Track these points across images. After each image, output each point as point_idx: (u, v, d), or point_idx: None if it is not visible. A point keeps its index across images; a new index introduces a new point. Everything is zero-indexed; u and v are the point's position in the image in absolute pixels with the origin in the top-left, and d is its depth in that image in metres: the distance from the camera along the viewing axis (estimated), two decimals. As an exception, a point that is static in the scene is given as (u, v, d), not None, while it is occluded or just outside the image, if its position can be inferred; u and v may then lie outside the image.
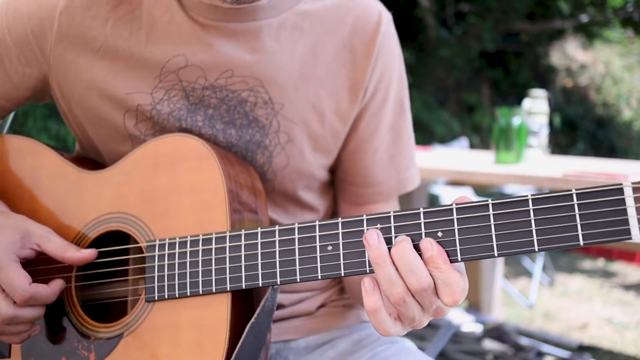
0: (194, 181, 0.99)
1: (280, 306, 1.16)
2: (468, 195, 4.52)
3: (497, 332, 3.41)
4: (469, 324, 3.54)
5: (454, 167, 2.84)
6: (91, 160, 1.17)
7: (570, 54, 10.33)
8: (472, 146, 7.14)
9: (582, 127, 9.41)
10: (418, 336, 3.36)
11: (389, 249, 0.81)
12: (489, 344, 3.31)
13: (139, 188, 1.02)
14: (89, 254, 0.99)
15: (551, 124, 7.40)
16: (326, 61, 1.10)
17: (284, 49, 1.07)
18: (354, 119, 1.14)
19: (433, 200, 4.42)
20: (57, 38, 1.06)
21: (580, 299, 4.27)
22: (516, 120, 2.83)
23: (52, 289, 0.97)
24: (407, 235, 0.82)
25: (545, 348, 3.27)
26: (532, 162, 2.91)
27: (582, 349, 3.36)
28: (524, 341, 3.35)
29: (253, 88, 1.07)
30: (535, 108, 3.12)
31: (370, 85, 1.13)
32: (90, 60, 1.06)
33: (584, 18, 9.42)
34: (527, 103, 3.16)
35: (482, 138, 8.37)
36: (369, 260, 0.84)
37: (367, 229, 0.84)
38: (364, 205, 1.21)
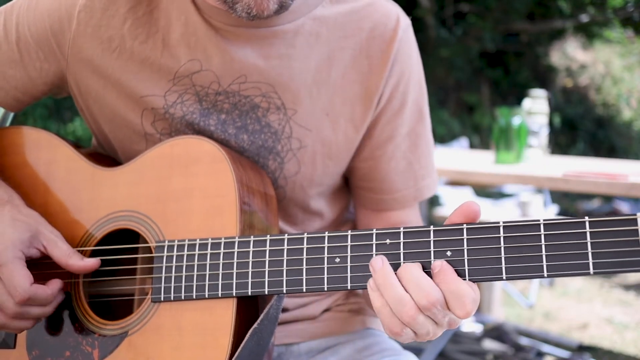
0: (207, 185, 0.99)
1: (284, 309, 1.15)
2: (468, 195, 4.51)
3: (497, 332, 3.42)
4: (469, 324, 3.54)
5: (454, 167, 2.84)
6: (106, 156, 1.18)
7: (570, 54, 10.33)
8: (472, 146, 7.15)
9: (582, 127, 9.40)
10: (418, 336, 3.37)
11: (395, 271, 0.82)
12: (489, 344, 3.32)
13: (152, 188, 1.03)
14: (91, 263, 1.00)
15: (551, 124, 7.39)
16: (342, 68, 1.09)
17: (299, 54, 1.06)
18: (367, 126, 1.13)
19: (433, 200, 4.42)
20: (75, 36, 1.06)
21: (580, 299, 4.27)
22: (516, 120, 2.83)
23: (51, 290, 0.97)
24: (415, 251, 0.83)
25: (545, 348, 3.27)
26: (532, 162, 2.92)
27: (582, 349, 3.37)
28: (524, 341, 3.35)
29: (266, 94, 1.07)
30: (535, 108, 3.13)
31: (385, 92, 1.11)
32: (107, 59, 1.06)
33: (584, 18, 9.41)
34: (527, 103, 3.16)
35: (482, 138, 8.37)
36: None
37: (375, 254, 0.85)
38: (383, 212, 1.19)
